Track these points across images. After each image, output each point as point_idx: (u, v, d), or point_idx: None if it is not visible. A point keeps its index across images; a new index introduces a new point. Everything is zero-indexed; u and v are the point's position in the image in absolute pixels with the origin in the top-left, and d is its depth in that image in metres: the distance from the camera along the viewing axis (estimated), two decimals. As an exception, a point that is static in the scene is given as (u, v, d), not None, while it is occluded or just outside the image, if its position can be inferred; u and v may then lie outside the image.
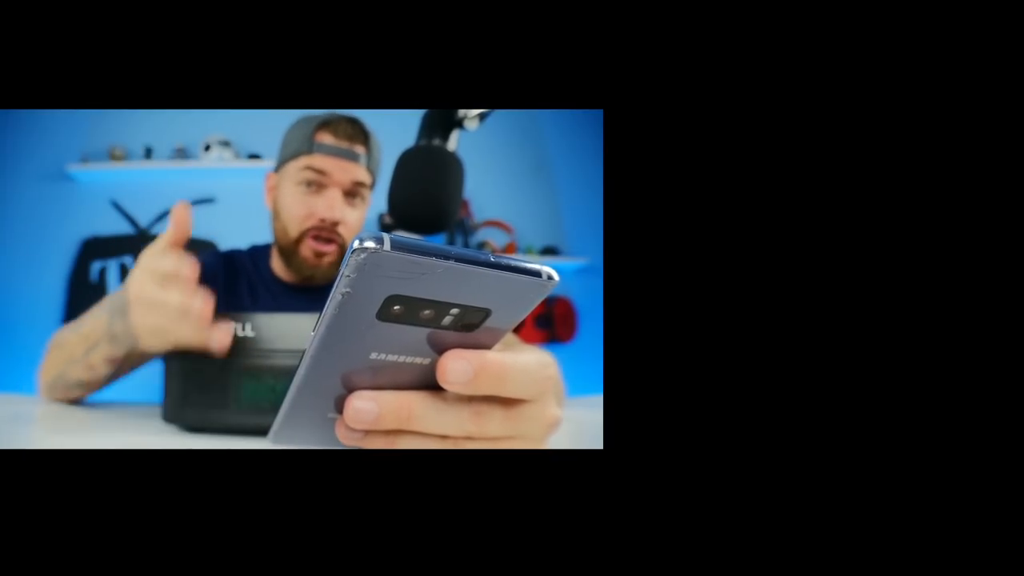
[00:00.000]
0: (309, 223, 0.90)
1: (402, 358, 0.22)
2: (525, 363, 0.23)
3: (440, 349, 0.22)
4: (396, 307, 0.20)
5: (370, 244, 0.18)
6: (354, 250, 0.18)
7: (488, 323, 0.22)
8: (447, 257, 0.19)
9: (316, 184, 0.91)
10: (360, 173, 0.92)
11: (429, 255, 0.18)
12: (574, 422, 0.57)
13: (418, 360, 0.22)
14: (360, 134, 0.92)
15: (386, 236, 0.18)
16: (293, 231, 0.92)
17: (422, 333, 0.21)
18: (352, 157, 0.90)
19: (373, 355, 0.22)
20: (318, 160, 0.90)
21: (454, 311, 0.21)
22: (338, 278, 0.19)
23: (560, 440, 0.30)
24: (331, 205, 0.90)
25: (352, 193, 0.92)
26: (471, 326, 0.22)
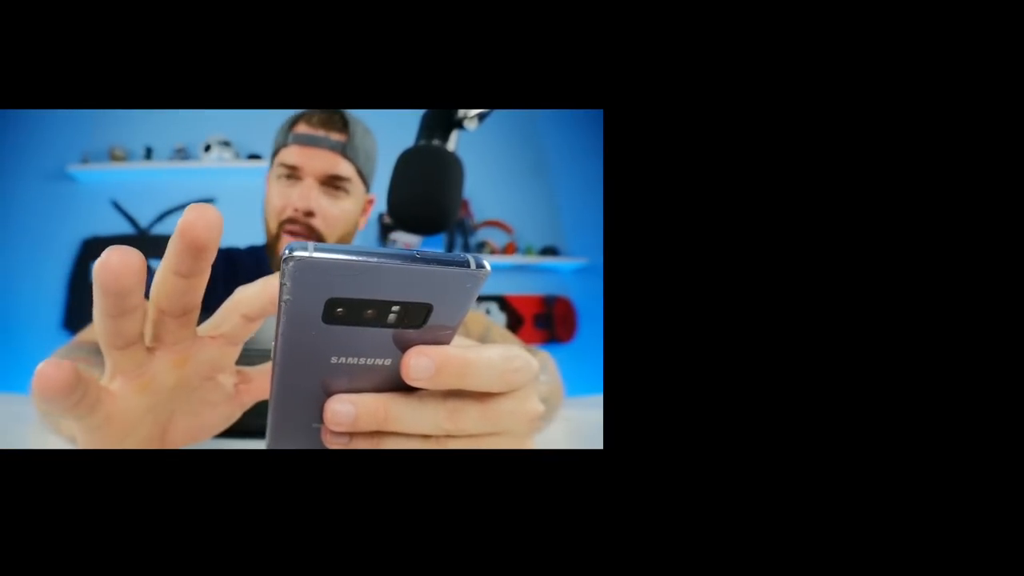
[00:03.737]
0: (285, 215, 0.90)
1: (363, 360, 0.23)
2: (488, 356, 0.24)
3: (399, 348, 0.23)
4: (339, 309, 0.21)
5: (297, 252, 0.19)
6: (284, 259, 0.19)
7: (434, 319, 0.22)
8: (371, 255, 0.20)
9: (292, 176, 0.90)
10: (337, 162, 0.90)
11: (353, 255, 0.19)
12: (574, 422, 0.57)
13: (379, 361, 0.23)
14: (336, 121, 0.90)
15: (311, 243, 0.19)
16: (272, 225, 0.92)
17: (374, 334, 0.22)
18: (327, 145, 0.89)
19: (334, 359, 0.23)
20: (292, 151, 0.89)
21: (395, 308, 0.21)
22: (280, 287, 0.20)
23: (560, 440, 0.30)
24: (304, 195, 0.89)
25: (329, 183, 0.91)
26: (417, 323, 0.22)
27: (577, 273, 2.62)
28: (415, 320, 0.22)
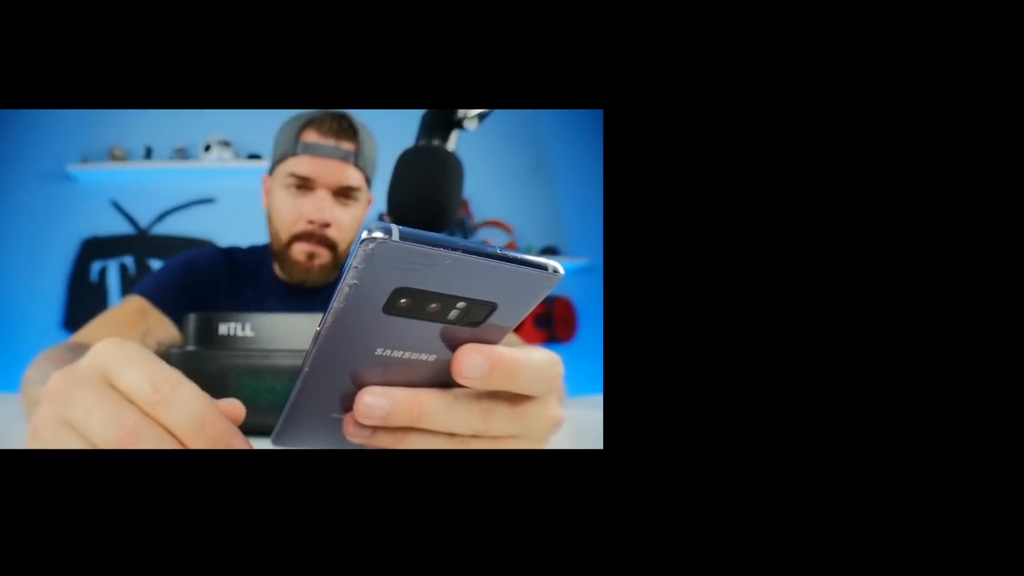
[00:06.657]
0: (299, 227, 0.89)
1: (407, 354, 0.22)
2: (536, 360, 0.23)
3: (447, 345, 0.22)
4: (403, 300, 0.20)
5: (378, 234, 0.17)
6: (362, 240, 0.17)
7: (493, 319, 0.21)
8: (455, 248, 0.18)
9: (304, 186, 0.89)
10: (348, 171, 0.89)
11: (437, 246, 0.18)
12: (574, 422, 0.57)
13: (423, 357, 0.22)
14: (347, 129, 0.89)
15: (394, 227, 0.18)
16: (284, 235, 0.91)
17: (427, 328, 0.21)
18: (339, 155, 0.88)
19: (378, 351, 0.22)
20: (304, 161, 0.88)
21: (460, 305, 0.20)
22: (345, 270, 0.18)
23: (560, 440, 0.30)
24: (319, 206, 0.88)
25: (342, 193, 0.90)
26: (476, 322, 0.21)
27: (577, 273, 2.62)
28: (476, 318, 0.21)
